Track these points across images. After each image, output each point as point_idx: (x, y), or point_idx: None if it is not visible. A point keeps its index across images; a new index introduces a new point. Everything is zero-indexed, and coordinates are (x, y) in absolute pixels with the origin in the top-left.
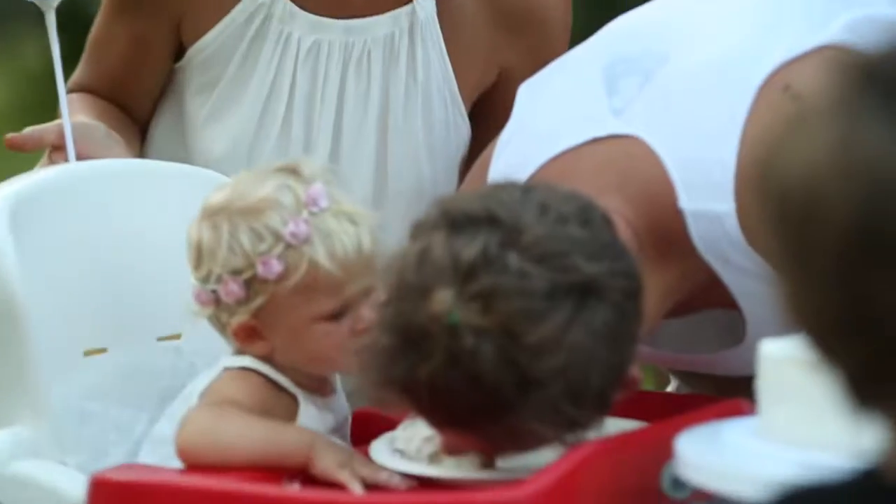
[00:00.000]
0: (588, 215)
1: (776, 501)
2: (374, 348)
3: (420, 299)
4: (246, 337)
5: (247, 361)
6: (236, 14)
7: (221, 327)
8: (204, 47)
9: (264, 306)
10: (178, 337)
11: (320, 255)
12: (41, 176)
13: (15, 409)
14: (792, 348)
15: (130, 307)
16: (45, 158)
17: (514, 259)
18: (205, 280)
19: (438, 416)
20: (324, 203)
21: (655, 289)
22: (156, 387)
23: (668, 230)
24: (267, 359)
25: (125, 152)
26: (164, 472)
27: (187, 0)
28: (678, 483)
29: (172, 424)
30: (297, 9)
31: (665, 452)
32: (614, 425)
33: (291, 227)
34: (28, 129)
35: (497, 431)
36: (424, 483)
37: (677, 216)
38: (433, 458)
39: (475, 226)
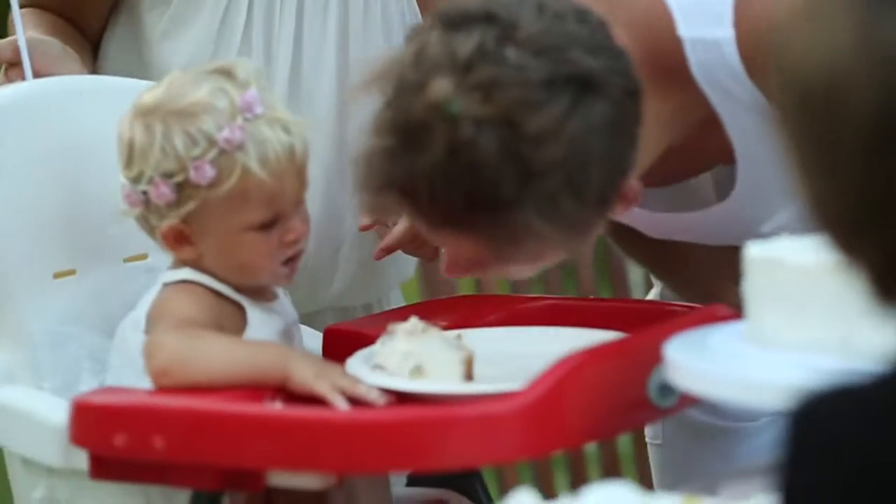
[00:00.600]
0: (585, 16)
1: (803, 407)
2: (372, 152)
3: (418, 92)
4: (174, 241)
5: (186, 274)
6: None
7: (150, 229)
8: None
9: (195, 211)
10: (144, 257)
11: (253, 162)
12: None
13: None
14: (777, 250)
15: (96, 227)
16: (0, 76)
17: (511, 52)
18: (135, 180)
19: (438, 214)
20: (258, 109)
21: (652, 119)
22: (128, 309)
23: (666, 58)
24: (197, 265)
25: (81, 68)
26: (148, 395)
27: None
28: (665, 391)
29: (125, 351)
30: None
31: (650, 361)
32: (595, 337)
33: (226, 132)
34: None
35: (497, 227)
36: (405, 398)
37: (675, 44)
38: (414, 374)
39: (471, 23)
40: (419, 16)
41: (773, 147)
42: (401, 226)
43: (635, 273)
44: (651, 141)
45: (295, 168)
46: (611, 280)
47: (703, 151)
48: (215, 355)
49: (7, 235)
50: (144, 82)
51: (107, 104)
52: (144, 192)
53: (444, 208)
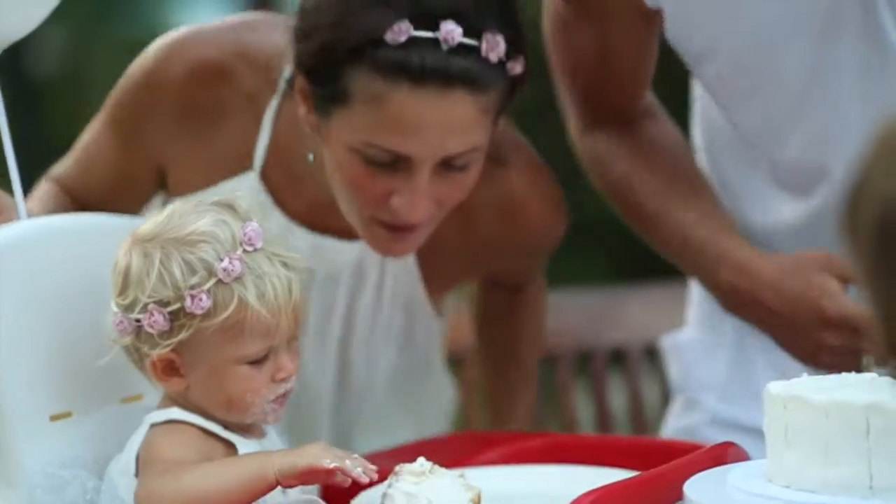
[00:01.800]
0: None
1: None
2: None
3: None
4: (163, 371)
5: (174, 413)
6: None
7: (139, 358)
8: None
9: (187, 342)
10: (140, 398)
11: (251, 294)
12: None
13: None
14: (798, 388)
15: (92, 368)
16: None
17: None
18: (128, 308)
19: None
20: (259, 244)
21: None
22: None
23: None
24: (184, 398)
25: None
26: None
27: (169, 156)
28: None
29: (116, 496)
30: (274, 208)
31: (664, 501)
32: (599, 475)
33: (225, 263)
34: None
35: None
36: None
37: None
38: None
39: None
40: (431, 312)
41: None
42: None
43: (619, 405)
44: None
45: (291, 303)
46: (596, 414)
47: None
48: (203, 481)
49: (3, 378)
50: (139, 220)
51: (105, 244)
52: (137, 321)
53: None
